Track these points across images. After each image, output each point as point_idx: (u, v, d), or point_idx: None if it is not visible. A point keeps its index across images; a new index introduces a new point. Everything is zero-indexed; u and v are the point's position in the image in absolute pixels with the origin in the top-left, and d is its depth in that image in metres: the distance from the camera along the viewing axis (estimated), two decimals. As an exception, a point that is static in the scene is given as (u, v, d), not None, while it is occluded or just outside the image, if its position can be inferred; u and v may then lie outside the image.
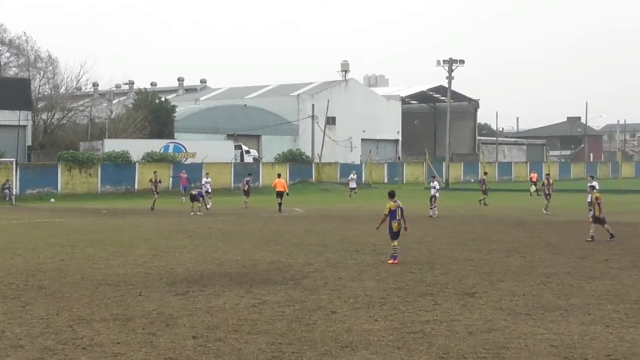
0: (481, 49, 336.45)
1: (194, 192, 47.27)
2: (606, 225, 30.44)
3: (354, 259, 25.04)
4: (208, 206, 49.15)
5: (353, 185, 64.04)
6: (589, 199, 31.51)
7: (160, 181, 53.47)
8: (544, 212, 44.64)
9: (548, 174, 51.58)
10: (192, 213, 45.73)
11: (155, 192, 51.66)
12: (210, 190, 53.63)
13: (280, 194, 48.82)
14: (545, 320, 15.59)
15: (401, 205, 24.43)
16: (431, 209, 43.45)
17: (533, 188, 66.77)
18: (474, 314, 16.28)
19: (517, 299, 17.90)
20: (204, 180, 55.77)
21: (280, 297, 18.13)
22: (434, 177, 53.07)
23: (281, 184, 50.00)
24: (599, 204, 30.35)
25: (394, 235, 24.27)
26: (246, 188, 53.64)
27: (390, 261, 23.81)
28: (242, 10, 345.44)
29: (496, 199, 58.82)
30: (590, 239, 29.93)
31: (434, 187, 44.93)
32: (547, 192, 46.86)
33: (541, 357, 12.92)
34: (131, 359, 12.84)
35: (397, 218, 24.21)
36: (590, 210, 30.85)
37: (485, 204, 51.97)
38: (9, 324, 15.34)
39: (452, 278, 21.07)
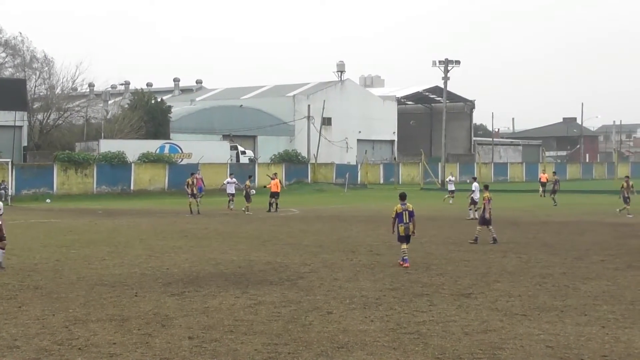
0: (477, 50, 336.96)
1: (249, 191, 48.71)
2: (491, 227, 30.14)
3: (349, 259, 25.05)
4: (231, 207, 49.96)
5: (452, 187, 58.63)
6: (475, 197, 31.65)
7: (194, 183, 50.25)
8: (628, 215, 43.32)
9: (628, 177, 49.16)
10: (245, 211, 47.29)
11: (191, 196, 48.50)
12: (234, 192, 51.52)
13: (274, 194, 49.16)
14: (541, 321, 15.61)
15: (410, 209, 23.58)
16: (471, 210, 41.88)
17: (541, 189, 66.59)
18: (470, 314, 16.29)
19: (513, 300, 17.92)
20: (227, 180, 53.57)
21: (276, 298, 18.13)
22: (474, 178, 51.99)
23: (275, 184, 50.15)
24: (485, 204, 30.53)
25: (401, 238, 23.57)
26: (250, 191, 50.58)
27: (400, 264, 23.18)
28: (237, 11, 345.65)
29: (492, 200, 58.76)
30: (473, 241, 29.82)
31: (474, 190, 42.40)
32: (626, 195, 45.24)
33: (537, 358, 12.93)
34: (127, 360, 12.84)
35: (405, 221, 23.46)
36: (471, 209, 31.19)
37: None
38: (5, 325, 15.32)
39: (448, 279, 21.08)
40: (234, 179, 52.91)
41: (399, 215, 23.57)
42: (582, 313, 16.45)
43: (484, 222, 30.08)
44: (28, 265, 23.83)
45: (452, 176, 62.06)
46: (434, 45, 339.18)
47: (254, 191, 52.88)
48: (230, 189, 51.38)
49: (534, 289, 19.36)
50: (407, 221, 23.47)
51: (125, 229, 36.18)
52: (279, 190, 50.15)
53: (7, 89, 78.23)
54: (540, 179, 70.45)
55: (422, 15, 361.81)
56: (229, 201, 50.82)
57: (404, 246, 23.43)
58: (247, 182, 50.69)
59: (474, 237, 29.97)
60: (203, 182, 60.91)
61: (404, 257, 23.28)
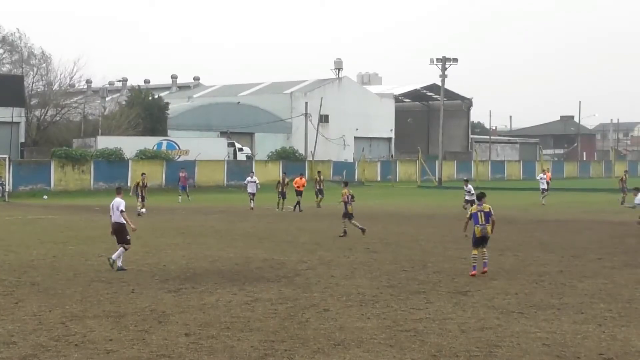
0: (475, 49, 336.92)
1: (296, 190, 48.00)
2: (354, 221, 31.43)
3: (346, 257, 25.06)
4: (252, 205, 48.16)
5: (544, 186, 55.62)
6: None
7: (287, 183, 49.53)
8: (626, 205, 44.80)
9: (626, 171, 56.68)
10: (286, 209, 46.95)
11: (281, 195, 47.86)
12: (254, 191, 49.58)
13: (298, 193, 48.54)
14: (538, 319, 15.62)
15: (486, 210, 21.85)
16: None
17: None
18: (467, 312, 16.30)
19: (510, 298, 17.94)
20: (248, 179, 51.51)
21: (272, 295, 18.14)
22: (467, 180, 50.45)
23: (300, 182, 49.53)
24: (345, 201, 31.58)
25: (476, 242, 21.80)
26: (282, 189, 48.43)
27: (472, 272, 21.26)
28: (235, 8, 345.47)
29: (489, 198, 58.80)
30: (342, 234, 30.97)
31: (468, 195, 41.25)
32: (624, 187, 50.86)
33: (533, 356, 12.94)
34: (123, 356, 12.84)
35: (481, 223, 21.69)
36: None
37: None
38: (2, 321, 15.33)
39: (445, 276, 21.09)
40: (255, 178, 51.15)
41: (473, 216, 22.00)
42: (578, 311, 16.47)
43: (347, 215, 31.43)
44: (25, 261, 23.84)
45: (544, 174, 60.00)
46: (431, 44, 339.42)
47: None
48: (251, 188, 49.55)
49: (530, 287, 19.38)
50: (484, 222, 21.73)
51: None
52: (302, 190, 49.28)
53: (5, 85, 78.23)
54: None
55: (420, 15, 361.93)
56: (250, 200, 48.71)
57: (475, 251, 21.72)
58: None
59: (342, 230, 31.44)
60: (187, 180, 60.57)
61: (474, 264, 21.49)
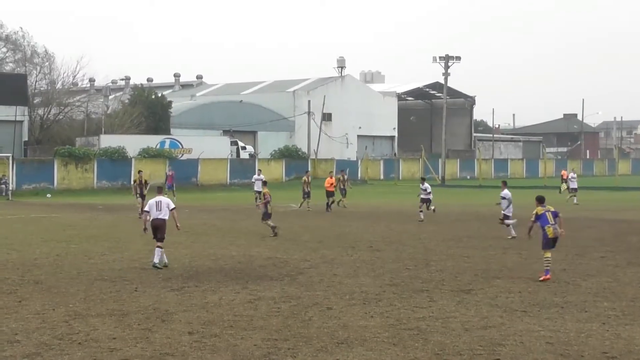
0: (478, 47, 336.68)
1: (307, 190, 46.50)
2: (269, 221, 31.32)
3: (349, 255, 25.05)
4: (258, 203, 47.24)
5: (574, 185, 54.80)
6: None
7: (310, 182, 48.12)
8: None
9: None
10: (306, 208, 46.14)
11: (306, 195, 46.96)
12: (261, 190, 49.01)
13: (330, 194, 46.37)
14: (541, 318, 15.61)
15: (553, 209, 20.96)
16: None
17: (564, 186, 66.15)
18: (470, 310, 16.29)
19: (513, 296, 17.92)
20: (255, 176, 50.89)
21: (275, 293, 18.14)
22: (424, 179, 48.68)
23: (331, 181, 47.33)
24: (268, 201, 31.57)
25: (547, 243, 20.74)
26: (307, 188, 47.30)
27: (541, 277, 20.21)
28: (238, 6, 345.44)
29: (492, 197, 58.69)
30: (274, 235, 30.68)
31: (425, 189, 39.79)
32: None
33: (537, 354, 12.93)
34: (127, 354, 12.84)
35: (550, 222, 20.67)
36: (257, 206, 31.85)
37: None
38: (5, 319, 15.33)
39: (448, 275, 21.08)
40: (262, 176, 49.96)
41: (540, 218, 20.84)
42: (582, 310, 16.45)
43: (267, 216, 31.40)
44: (28, 260, 23.85)
45: (574, 172, 59.45)
46: (434, 42, 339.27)
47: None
48: (258, 187, 48.17)
49: (534, 286, 19.36)
50: (554, 222, 20.79)
51: (125, 224, 36.17)
52: (333, 190, 46.89)
53: (8, 84, 78.22)
54: (562, 175, 69.89)
55: (423, 15, 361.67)
56: (256, 199, 48.00)
57: (548, 254, 20.61)
58: (342, 176, 49.00)
59: (272, 229, 31.11)
60: (174, 179, 59.87)
61: (547, 268, 20.47)
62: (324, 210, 44.74)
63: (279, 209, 47.31)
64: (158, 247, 22.50)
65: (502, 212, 31.07)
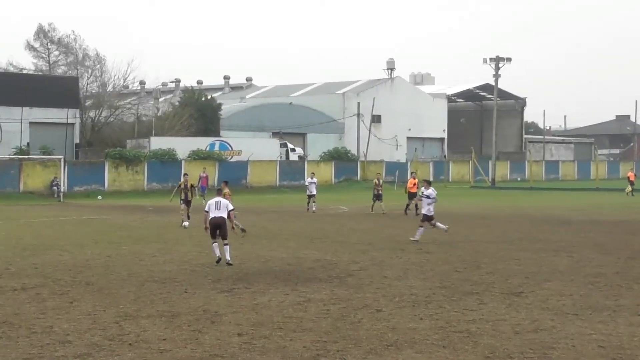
0: (528, 48, 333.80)
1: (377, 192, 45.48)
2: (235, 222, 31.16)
3: (399, 257, 24.97)
4: (314, 209, 46.37)
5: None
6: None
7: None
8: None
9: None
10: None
11: (376, 198, 45.90)
12: (314, 193, 47.70)
13: (411, 196, 43.76)
14: (593, 321, 15.41)
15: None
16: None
17: (629, 188, 65.57)
18: (520, 313, 16.14)
19: (564, 299, 17.72)
20: (308, 179, 49.81)
21: (325, 295, 18.12)
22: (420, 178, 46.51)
23: (412, 182, 45.11)
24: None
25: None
26: (378, 191, 46.36)
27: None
28: (288, 10, 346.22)
29: (543, 198, 58.32)
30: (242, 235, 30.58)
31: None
32: None
33: (589, 358, 12.77)
34: (177, 356, 12.89)
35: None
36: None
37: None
38: (57, 320, 15.48)
39: (498, 277, 20.92)
40: (315, 179, 49.02)
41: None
42: (635, 313, 16.22)
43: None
44: (80, 261, 24.08)
45: (632, 171, 59.55)
46: (485, 43, 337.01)
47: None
48: (311, 190, 47.49)
49: (585, 289, 19.13)
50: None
51: (175, 226, 36.39)
52: (415, 191, 43.37)
53: (60, 86, 79.35)
54: (628, 177, 69.19)
55: (473, 15, 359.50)
56: (308, 203, 47.20)
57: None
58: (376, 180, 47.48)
59: (241, 229, 30.82)
60: (207, 181, 59.15)
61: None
62: (372, 213, 44.59)
63: (329, 211, 47.42)
64: (225, 245, 23.12)
65: (423, 212, 30.40)
